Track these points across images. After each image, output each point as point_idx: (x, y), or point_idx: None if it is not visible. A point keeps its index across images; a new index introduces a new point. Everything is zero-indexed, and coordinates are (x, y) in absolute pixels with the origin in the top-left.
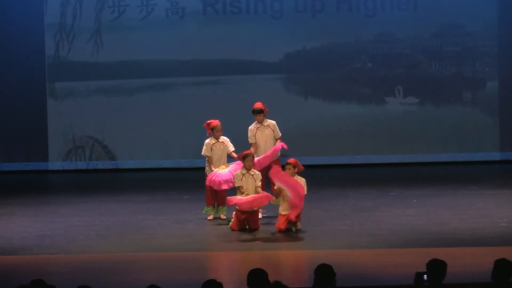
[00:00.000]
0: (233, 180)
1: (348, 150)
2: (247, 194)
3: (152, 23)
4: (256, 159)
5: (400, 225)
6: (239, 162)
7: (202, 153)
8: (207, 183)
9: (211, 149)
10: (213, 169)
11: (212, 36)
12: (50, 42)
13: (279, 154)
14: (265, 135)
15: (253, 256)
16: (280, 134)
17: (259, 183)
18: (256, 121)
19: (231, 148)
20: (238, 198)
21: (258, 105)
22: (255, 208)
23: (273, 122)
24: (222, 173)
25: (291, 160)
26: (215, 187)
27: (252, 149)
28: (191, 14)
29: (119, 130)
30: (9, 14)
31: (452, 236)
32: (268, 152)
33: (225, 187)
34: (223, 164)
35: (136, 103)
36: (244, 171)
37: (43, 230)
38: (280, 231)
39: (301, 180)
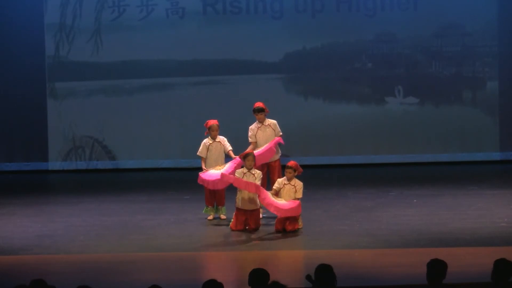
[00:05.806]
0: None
1: (348, 150)
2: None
3: (152, 23)
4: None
5: (400, 225)
6: (234, 160)
7: (198, 153)
8: (198, 181)
9: (208, 149)
10: (204, 168)
11: (212, 36)
12: (50, 42)
13: (279, 154)
14: (266, 135)
15: (253, 256)
16: (281, 133)
17: (259, 182)
18: (257, 121)
19: (229, 147)
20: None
21: (259, 104)
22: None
23: (274, 121)
24: (215, 173)
25: (291, 163)
26: (209, 187)
27: (251, 147)
28: (191, 14)
29: (119, 130)
30: (9, 14)
31: (452, 236)
32: (264, 149)
33: (221, 186)
34: (219, 165)
35: (136, 103)
36: (245, 170)
37: (43, 230)
38: (279, 231)
39: (299, 184)
